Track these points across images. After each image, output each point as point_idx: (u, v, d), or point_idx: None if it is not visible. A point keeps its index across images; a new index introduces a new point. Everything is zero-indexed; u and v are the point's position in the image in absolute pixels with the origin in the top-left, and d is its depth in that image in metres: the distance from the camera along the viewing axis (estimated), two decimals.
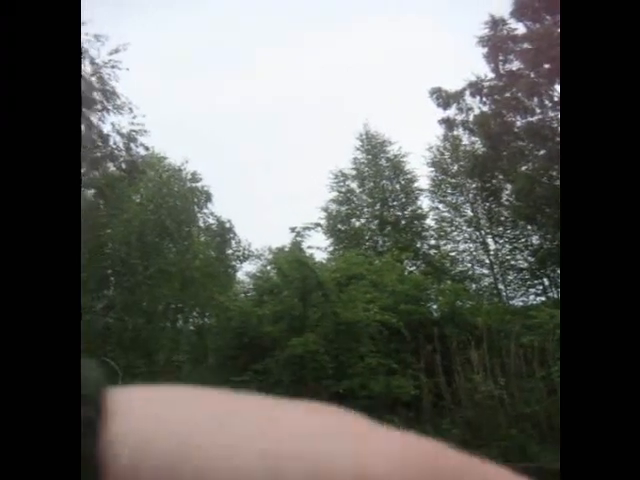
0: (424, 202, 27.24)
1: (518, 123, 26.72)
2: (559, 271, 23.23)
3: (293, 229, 20.88)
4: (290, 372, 17.73)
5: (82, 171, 21.83)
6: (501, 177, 25.92)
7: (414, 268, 24.40)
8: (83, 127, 22.19)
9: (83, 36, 22.16)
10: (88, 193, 21.85)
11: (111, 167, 22.21)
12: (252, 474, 0.40)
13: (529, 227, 24.86)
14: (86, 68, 22.59)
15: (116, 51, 22.33)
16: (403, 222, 26.60)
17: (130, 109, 22.53)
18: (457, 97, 26.97)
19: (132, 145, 22.45)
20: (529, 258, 24.72)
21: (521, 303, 23.42)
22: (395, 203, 27.09)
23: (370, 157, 28.20)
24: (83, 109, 22.11)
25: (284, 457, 0.41)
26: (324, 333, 17.95)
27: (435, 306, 20.77)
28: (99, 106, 22.76)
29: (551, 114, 26.04)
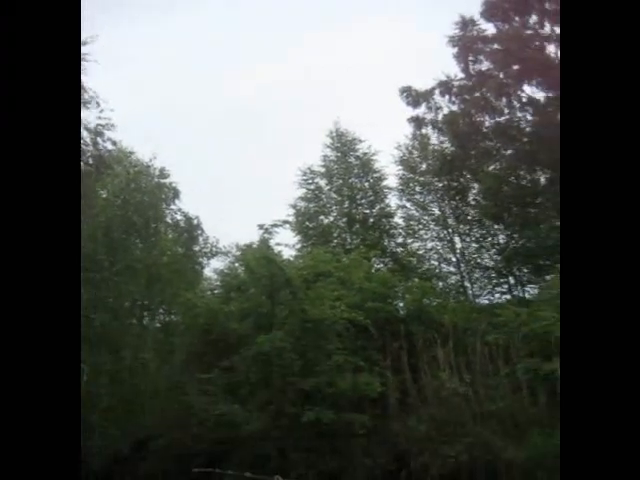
0: (392, 200, 27.35)
1: (487, 123, 26.92)
2: (525, 270, 23.50)
3: (261, 226, 20.80)
4: (257, 369, 17.67)
5: None
6: (469, 176, 26.12)
7: (382, 266, 24.50)
8: None
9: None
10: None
11: None
12: None
13: (496, 226, 25.09)
14: None
15: (84, 44, 22.00)
16: (371, 220, 26.67)
17: (97, 103, 22.20)
18: (427, 96, 27.09)
19: (99, 140, 22.17)
20: (495, 257, 24.94)
21: (487, 301, 23.66)
22: (363, 201, 27.14)
23: (339, 155, 28.21)
24: None
25: None
26: (291, 330, 17.91)
27: (402, 304, 20.85)
28: None
29: (519, 114, 26.29)
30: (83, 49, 21.91)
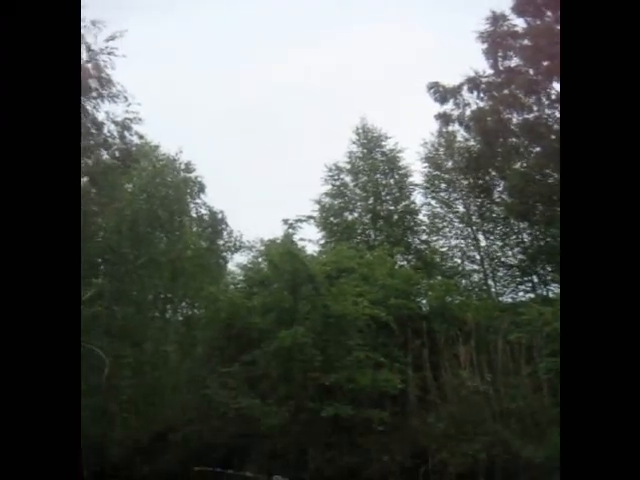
0: (417, 197, 27.20)
1: (514, 120, 26.66)
2: (549, 269, 23.25)
3: (286, 221, 20.84)
4: (278, 364, 17.72)
5: None
6: (494, 174, 25.88)
7: (405, 263, 24.40)
8: None
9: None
10: (81, 181, 21.79)
11: (104, 155, 22.12)
12: None
13: (520, 224, 24.85)
14: (82, 55, 22.48)
15: (113, 38, 22.16)
16: (396, 217, 26.56)
17: (125, 97, 22.35)
18: (454, 92, 26.86)
19: (126, 133, 22.33)
20: (519, 255, 24.71)
21: (510, 300, 23.44)
22: (388, 197, 27.04)
23: (365, 151, 28.12)
24: None
25: None
26: (313, 326, 17.94)
27: (424, 301, 20.78)
28: (94, 93, 22.63)
29: (548, 111, 25.97)
30: (112, 43, 22.11)
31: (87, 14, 21.67)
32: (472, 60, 28.10)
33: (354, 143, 28.14)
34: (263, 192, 38.78)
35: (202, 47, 48.38)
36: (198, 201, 24.78)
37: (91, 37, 22.04)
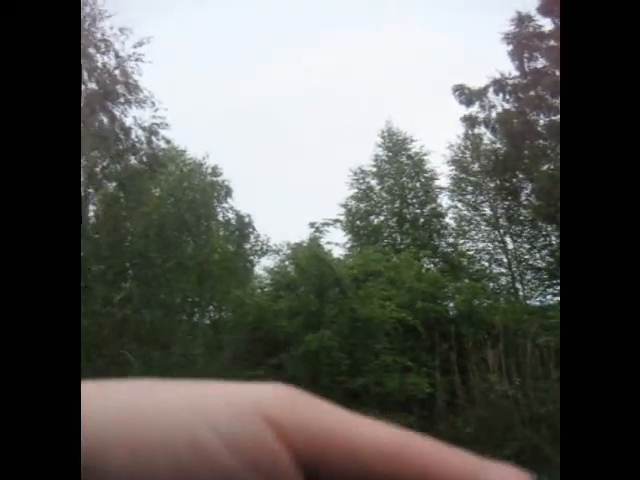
0: (443, 200, 27.17)
1: (541, 122, 26.52)
2: None
3: (312, 224, 20.90)
4: (304, 368, 17.75)
5: (104, 164, 21.97)
6: (522, 176, 25.74)
7: (432, 266, 24.33)
8: (106, 120, 22.35)
9: (108, 30, 22.32)
10: (109, 186, 22.03)
11: (132, 160, 22.34)
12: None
13: (548, 227, 24.68)
14: (110, 61, 22.71)
15: (140, 44, 22.39)
16: (422, 220, 26.53)
17: (152, 102, 22.62)
18: (480, 95, 26.79)
19: (153, 138, 22.56)
20: (547, 258, 24.54)
21: (538, 303, 23.27)
22: (414, 201, 27.02)
23: (391, 154, 28.13)
24: (107, 102, 22.27)
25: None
26: (340, 329, 17.95)
27: (452, 304, 20.70)
28: (122, 99, 22.87)
29: None
30: (139, 50, 22.33)
31: (115, 22, 22.00)
32: (498, 62, 27.99)
33: (379, 146, 28.17)
34: (290, 195, 38.82)
35: (219, 48, 48.59)
36: (225, 205, 24.92)
37: (119, 44, 22.34)
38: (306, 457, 0.47)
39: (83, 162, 21.41)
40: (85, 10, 22.05)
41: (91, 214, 21.26)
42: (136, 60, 22.27)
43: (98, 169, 21.56)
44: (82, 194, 20.93)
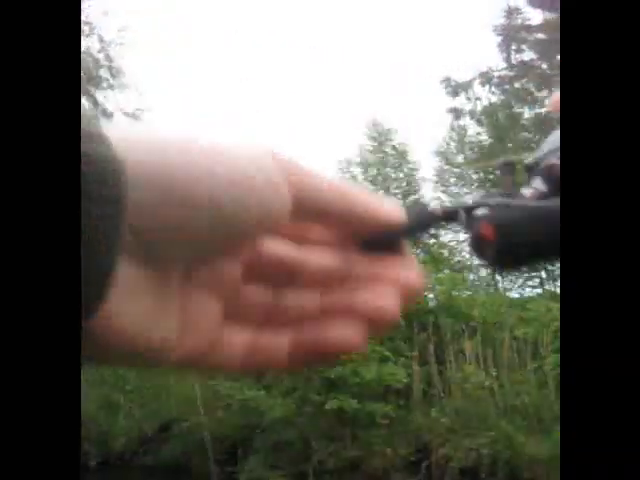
0: (427, 191, 27.19)
1: (526, 115, 26.60)
2: (558, 264, 23.14)
3: None
4: None
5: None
6: None
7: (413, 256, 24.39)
8: (88, 104, 22.21)
9: (92, 11, 22.15)
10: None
11: None
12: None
13: None
14: (94, 45, 22.59)
15: (124, 28, 22.28)
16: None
17: (136, 87, 22.53)
18: (466, 86, 26.87)
19: (137, 124, 22.48)
20: None
21: (518, 295, 23.35)
22: (398, 191, 27.02)
23: (376, 145, 28.14)
24: (89, 86, 22.13)
25: None
26: None
27: (431, 295, 20.73)
28: (104, 84, 22.78)
29: None
30: (122, 34, 22.17)
31: (98, 5, 21.84)
32: (485, 54, 28.05)
33: (364, 136, 28.17)
34: None
35: (210, 37, 48.41)
36: None
37: (102, 27, 22.20)
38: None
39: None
40: None
41: None
42: (120, 44, 22.16)
43: None
44: None
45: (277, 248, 0.59)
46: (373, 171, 27.52)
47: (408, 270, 0.66)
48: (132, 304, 0.49)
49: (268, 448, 16.83)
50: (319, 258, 0.61)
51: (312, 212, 0.57)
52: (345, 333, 0.60)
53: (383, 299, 0.64)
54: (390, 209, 0.62)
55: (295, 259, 0.60)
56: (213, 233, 0.51)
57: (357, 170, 27.63)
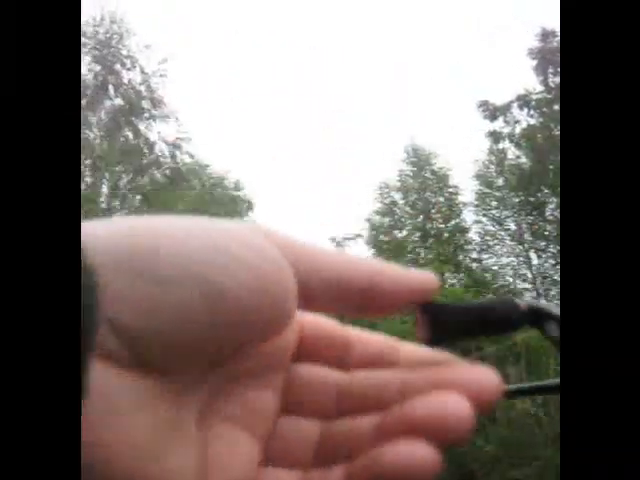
0: (467, 215, 27.04)
1: None
2: None
3: (333, 239, 20.84)
4: None
5: (129, 178, 22.20)
6: (546, 191, 25.58)
7: (455, 281, 24.22)
8: (131, 135, 22.61)
9: (134, 47, 22.61)
10: (135, 200, 22.27)
11: (156, 174, 22.57)
12: None
13: None
14: (136, 77, 23.01)
15: (164, 61, 22.66)
16: (446, 235, 26.43)
17: (176, 117, 22.88)
18: (504, 110, 26.73)
19: (177, 153, 22.79)
20: None
21: None
22: (438, 215, 26.94)
23: (415, 169, 28.12)
24: (132, 117, 22.54)
25: None
26: None
27: None
28: (147, 114, 23.15)
29: None
30: (163, 67, 22.59)
31: (140, 39, 22.29)
32: (522, 77, 27.95)
33: (403, 161, 28.18)
34: (312, 210, 38.92)
35: (246, 64, 49.00)
36: (247, 219, 25.02)
37: (144, 59, 22.62)
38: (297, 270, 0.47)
39: (107, 176, 21.66)
40: (113, 28, 22.42)
41: None
42: (160, 76, 22.53)
43: (121, 183, 21.79)
44: (106, 207, 21.17)
45: (319, 371, 0.51)
46: (413, 196, 27.74)
47: (480, 371, 0.52)
48: (125, 427, 0.39)
49: None
50: (370, 379, 0.52)
51: (324, 293, 0.48)
52: (409, 453, 0.46)
53: (451, 408, 0.49)
54: (424, 277, 0.52)
55: (341, 384, 0.51)
56: (213, 319, 0.41)
57: (397, 196, 27.79)
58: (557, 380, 0.70)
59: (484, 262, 25.95)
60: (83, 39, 21.87)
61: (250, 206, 24.79)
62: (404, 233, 26.96)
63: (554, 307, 0.64)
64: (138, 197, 21.90)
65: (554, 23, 26.19)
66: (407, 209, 27.32)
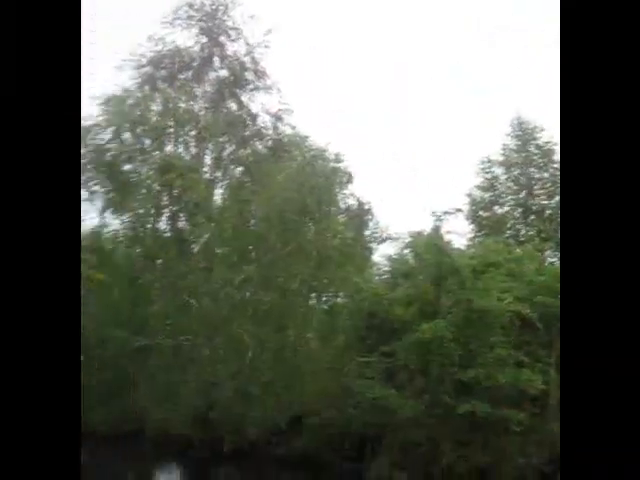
0: None
1: None
2: None
3: (434, 213, 20.63)
4: (416, 356, 17.67)
5: (231, 149, 22.53)
6: None
7: (555, 259, 23.54)
8: (234, 107, 22.92)
9: (238, 18, 22.84)
10: (236, 171, 22.62)
11: (258, 146, 22.80)
12: None
13: None
14: (240, 49, 23.20)
15: (269, 32, 22.72)
16: (548, 212, 25.65)
17: (279, 89, 22.95)
18: None
19: (279, 124, 22.92)
20: None
21: None
22: (541, 192, 26.15)
23: (520, 144, 27.34)
24: (235, 89, 22.83)
25: None
26: (455, 320, 17.74)
27: None
28: (250, 86, 23.34)
29: None
30: (267, 37, 22.72)
31: (245, 10, 22.48)
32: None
33: (508, 135, 27.43)
34: (411, 183, 38.62)
35: (348, 36, 48.74)
36: (346, 191, 24.99)
37: (249, 31, 22.81)
38: None
39: (211, 147, 22.08)
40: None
41: (217, 198, 21.88)
42: (265, 47, 22.66)
43: (225, 154, 22.16)
44: (209, 178, 21.63)
45: None
46: (516, 171, 26.97)
47: None
48: None
49: (396, 448, 16.83)
50: None
51: None
52: None
53: None
54: None
55: None
56: None
57: (499, 170, 27.04)
58: None
59: None
60: (190, 11, 22.27)
61: (350, 179, 24.69)
62: (505, 209, 26.35)
63: None
64: (240, 169, 22.24)
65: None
66: (509, 184, 26.65)
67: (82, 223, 15.81)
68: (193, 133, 21.43)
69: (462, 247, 23.17)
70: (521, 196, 26.31)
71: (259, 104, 23.13)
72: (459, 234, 23.58)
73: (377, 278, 22.18)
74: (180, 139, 21.73)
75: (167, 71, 21.62)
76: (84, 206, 20.23)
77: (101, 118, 20.06)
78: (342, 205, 24.31)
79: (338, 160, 24.79)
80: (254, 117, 22.93)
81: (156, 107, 20.89)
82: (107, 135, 20.27)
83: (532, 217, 25.51)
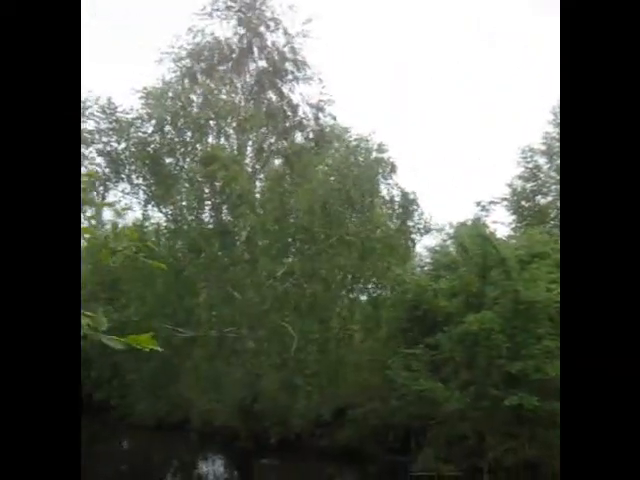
0: None
1: None
2: None
3: (478, 203, 20.43)
4: (462, 348, 17.48)
5: (271, 140, 22.52)
6: None
7: None
8: (274, 97, 22.88)
9: (277, 8, 22.75)
10: (275, 162, 22.61)
11: (299, 137, 22.73)
12: None
13: None
14: (279, 39, 23.12)
15: (308, 21, 22.61)
16: None
17: (319, 79, 22.84)
18: None
19: (320, 115, 22.81)
20: None
21: None
22: None
23: None
24: (275, 79, 22.78)
25: None
26: (501, 311, 17.51)
27: None
28: (290, 76, 23.26)
29: None
30: (306, 27, 22.61)
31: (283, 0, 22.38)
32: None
33: (550, 123, 26.97)
34: (454, 174, 38.30)
35: (391, 26, 48.41)
36: (389, 182, 24.73)
37: (288, 21, 22.72)
38: None
39: (252, 138, 22.09)
40: None
41: (258, 189, 21.88)
42: (304, 37, 22.56)
43: (266, 145, 22.13)
44: (250, 170, 21.63)
45: None
46: (559, 160, 26.18)
47: None
48: None
49: (442, 440, 16.69)
50: None
51: None
52: None
53: None
54: None
55: None
56: None
57: (541, 160, 26.67)
58: None
59: None
60: (229, 2, 22.22)
61: (393, 169, 24.43)
62: (548, 199, 25.96)
63: None
64: (280, 160, 22.22)
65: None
66: (552, 174, 26.22)
67: (126, 215, 15.93)
68: (234, 125, 21.48)
69: (505, 237, 22.93)
70: None
71: (299, 95, 23.06)
72: (504, 224, 23.36)
73: (420, 269, 22.00)
74: (221, 131, 21.81)
75: (206, 63, 21.67)
76: (127, 199, 20.48)
77: (143, 111, 20.21)
78: (385, 196, 24.04)
79: (381, 150, 24.52)
80: (295, 108, 22.89)
81: (196, 99, 20.97)
82: (149, 128, 20.45)
83: None
